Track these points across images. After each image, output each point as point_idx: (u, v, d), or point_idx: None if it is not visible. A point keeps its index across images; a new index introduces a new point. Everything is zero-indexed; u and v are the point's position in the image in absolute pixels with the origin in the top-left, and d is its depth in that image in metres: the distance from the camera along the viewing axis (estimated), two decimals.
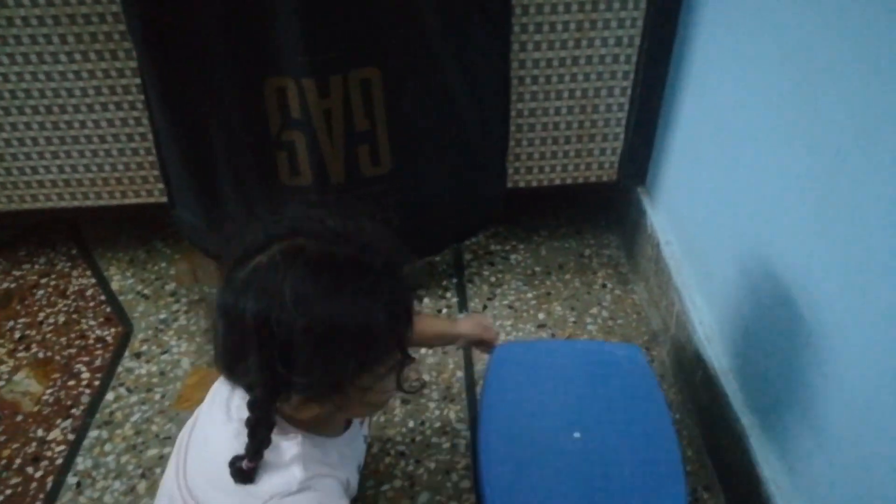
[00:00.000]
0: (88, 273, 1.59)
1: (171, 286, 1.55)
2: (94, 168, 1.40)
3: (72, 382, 1.33)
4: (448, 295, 1.50)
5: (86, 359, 1.38)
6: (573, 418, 1.00)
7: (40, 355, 1.39)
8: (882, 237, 0.74)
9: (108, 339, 1.42)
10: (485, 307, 1.46)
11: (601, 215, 1.68)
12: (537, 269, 1.56)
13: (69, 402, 1.29)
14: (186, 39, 1.13)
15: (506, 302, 1.48)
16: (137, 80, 1.27)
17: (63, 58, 1.25)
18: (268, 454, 0.70)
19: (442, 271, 1.56)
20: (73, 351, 1.40)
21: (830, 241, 0.83)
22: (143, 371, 1.35)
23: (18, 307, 1.50)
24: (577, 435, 0.98)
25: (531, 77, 1.32)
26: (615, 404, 1.02)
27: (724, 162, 1.12)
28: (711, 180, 1.18)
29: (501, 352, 1.12)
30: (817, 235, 0.86)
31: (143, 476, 1.16)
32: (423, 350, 1.32)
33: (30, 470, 1.18)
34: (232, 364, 0.69)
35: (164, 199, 1.42)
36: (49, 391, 1.31)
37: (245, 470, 0.69)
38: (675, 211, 1.36)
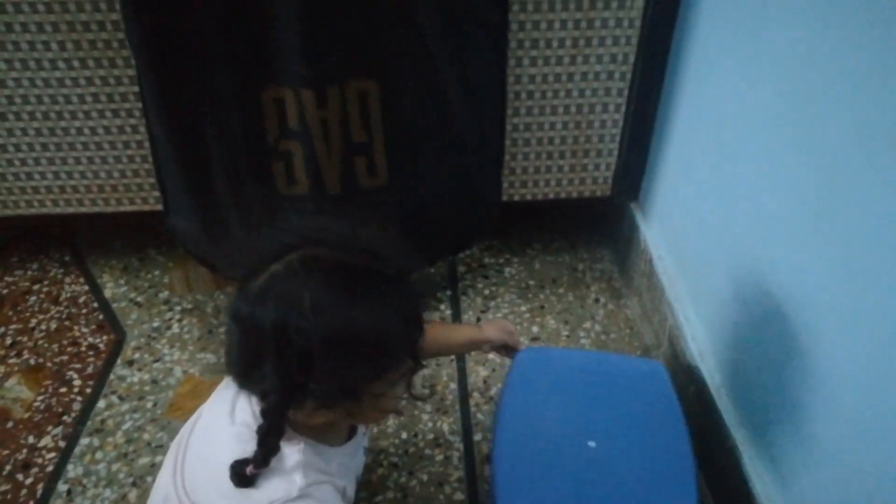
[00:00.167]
0: (81, 280, 1.58)
1: (164, 294, 1.54)
2: (90, 175, 1.40)
3: (63, 389, 1.32)
4: (442, 307, 1.50)
5: (78, 366, 1.37)
6: (590, 427, 1.01)
7: (32, 362, 1.38)
8: (876, 254, 0.75)
9: (101, 346, 1.42)
10: (478, 320, 1.47)
11: (595, 230, 1.69)
12: (531, 282, 1.57)
13: (60, 409, 1.29)
14: (185, 47, 1.14)
15: (499, 315, 1.48)
16: (135, 88, 1.27)
17: (61, 64, 1.25)
18: (273, 460, 0.71)
19: (436, 283, 1.56)
20: (64, 358, 1.39)
21: (824, 256, 0.84)
22: (136, 379, 1.34)
23: (10, 313, 1.50)
24: (591, 444, 0.99)
25: (527, 92, 1.33)
26: (633, 417, 1.03)
27: (718, 178, 1.14)
28: (705, 196, 1.19)
29: (525, 355, 1.13)
30: (810, 251, 0.87)
31: (133, 484, 1.16)
32: None
33: (20, 477, 1.17)
34: (247, 371, 0.70)
35: (159, 207, 1.42)
36: (40, 398, 1.31)
37: (248, 475, 0.69)
38: (669, 226, 1.37)
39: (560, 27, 1.25)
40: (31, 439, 1.23)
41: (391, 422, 1.25)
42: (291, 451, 0.72)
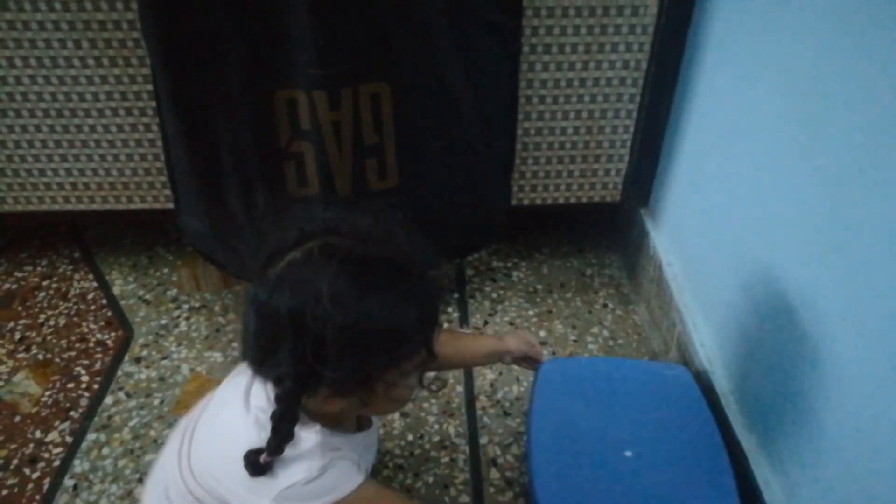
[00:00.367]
0: (90, 276, 1.59)
1: (172, 292, 1.55)
2: (102, 172, 1.40)
3: (71, 385, 1.33)
4: (450, 310, 1.50)
5: (85, 362, 1.38)
6: (624, 437, 1.00)
7: (40, 357, 1.39)
8: (886, 260, 0.74)
9: (109, 342, 1.42)
10: (486, 323, 1.47)
11: (603, 235, 1.69)
12: (539, 286, 1.57)
13: (68, 405, 1.29)
14: (200, 48, 1.15)
15: (507, 318, 1.48)
16: (149, 87, 1.28)
17: (76, 62, 1.26)
18: (286, 447, 0.71)
19: (444, 286, 1.56)
20: (72, 354, 1.40)
21: (833, 263, 0.84)
22: (143, 376, 1.35)
23: (19, 308, 1.50)
24: (628, 454, 0.98)
25: (538, 97, 1.33)
26: (665, 424, 1.02)
27: (727, 184, 1.14)
28: (714, 202, 1.19)
29: (548, 368, 1.11)
30: (819, 258, 0.87)
31: (139, 481, 1.16)
32: None
33: (27, 471, 1.18)
34: (263, 357, 0.70)
35: (169, 206, 1.43)
36: (48, 393, 1.31)
37: (262, 463, 0.70)
38: (678, 232, 1.37)
39: (573, 33, 1.25)
40: (38, 434, 1.24)
41: (397, 423, 1.25)
42: (308, 434, 0.73)
